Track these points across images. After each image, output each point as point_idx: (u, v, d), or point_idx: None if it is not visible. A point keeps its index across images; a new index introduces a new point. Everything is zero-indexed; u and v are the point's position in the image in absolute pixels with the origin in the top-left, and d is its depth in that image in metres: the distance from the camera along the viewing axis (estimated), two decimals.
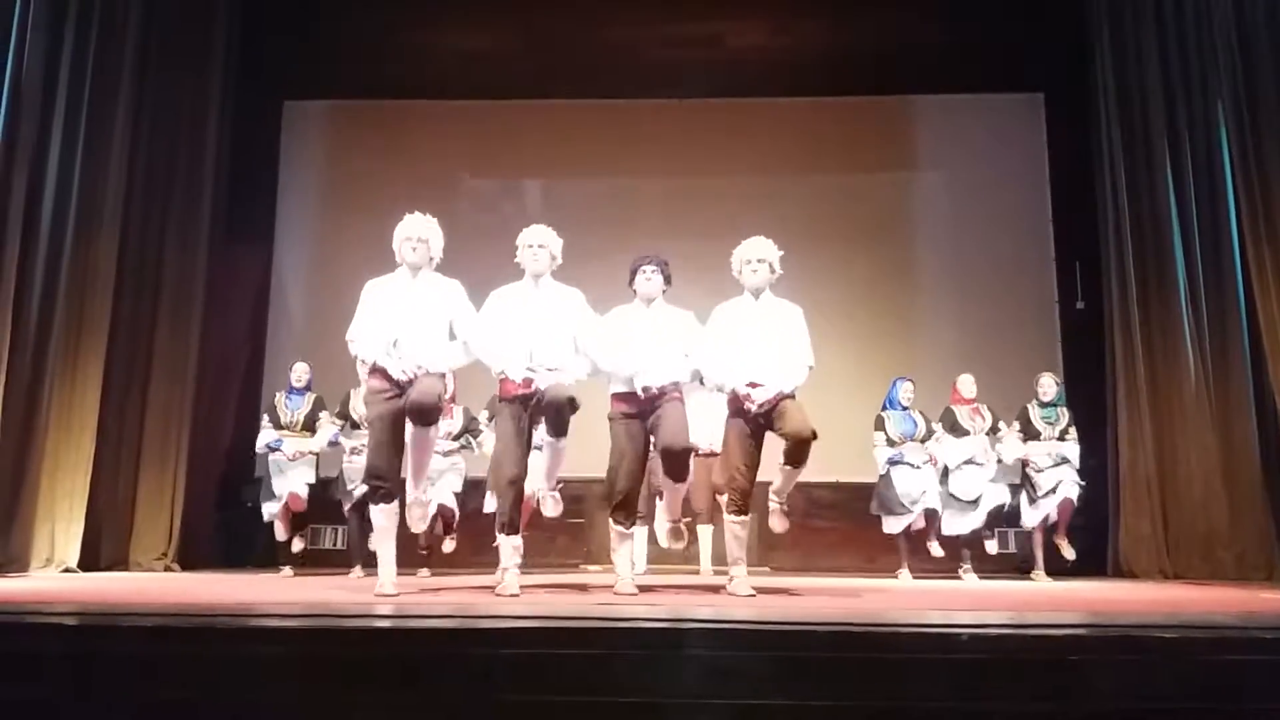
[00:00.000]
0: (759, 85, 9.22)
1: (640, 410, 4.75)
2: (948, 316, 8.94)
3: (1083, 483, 6.89)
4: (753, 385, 4.64)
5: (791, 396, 4.68)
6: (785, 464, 4.74)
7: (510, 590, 4.44)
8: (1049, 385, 7.07)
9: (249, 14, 8.68)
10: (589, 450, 7.81)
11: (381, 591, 4.33)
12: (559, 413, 4.53)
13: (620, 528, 4.82)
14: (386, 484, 4.46)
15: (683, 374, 4.84)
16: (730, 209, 8.94)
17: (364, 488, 6.22)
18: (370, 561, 6.57)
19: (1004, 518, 7.03)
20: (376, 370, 4.53)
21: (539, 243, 4.82)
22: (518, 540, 4.64)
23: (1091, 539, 7.41)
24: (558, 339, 4.71)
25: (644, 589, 4.81)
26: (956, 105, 9.27)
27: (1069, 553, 6.93)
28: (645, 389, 4.68)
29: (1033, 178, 9.12)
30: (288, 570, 6.81)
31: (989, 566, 7.20)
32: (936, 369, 7.81)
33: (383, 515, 4.51)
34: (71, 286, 6.69)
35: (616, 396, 4.84)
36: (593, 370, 4.84)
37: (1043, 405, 7.03)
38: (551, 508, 5.05)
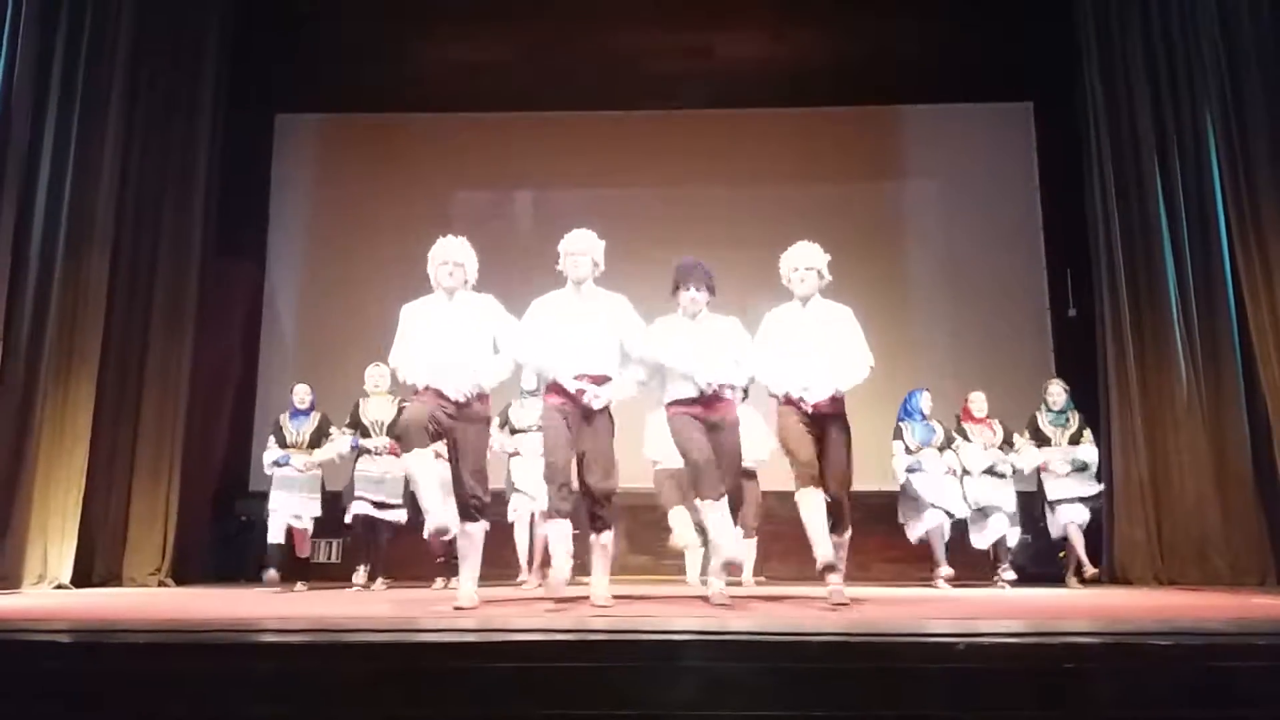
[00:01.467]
0: (752, 95, 9.27)
1: (700, 412, 4.67)
2: (941, 324, 8.98)
3: (1094, 497, 6.93)
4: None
5: (841, 411, 4.77)
6: (830, 532, 4.71)
7: (559, 586, 4.49)
8: (1058, 393, 7.09)
9: (240, 27, 8.70)
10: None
11: (460, 605, 4.30)
12: (604, 503, 4.58)
13: (711, 499, 4.55)
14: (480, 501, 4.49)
15: (737, 378, 4.82)
16: (725, 218, 9.01)
17: (365, 505, 6.46)
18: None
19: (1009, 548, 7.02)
20: (427, 390, 4.48)
21: (580, 250, 4.76)
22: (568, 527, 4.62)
23: (1086, 546, 7.41)
24: (604, 346, 4.68)
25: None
26: (948, 114, 9.33)
27: (1074, 583, 6.93)
28: (708, 384, 4.61)
29: (1023, 186, 9.19)
30: (301, 585, 6.79)
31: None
32: (930, 377, 7.83)
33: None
34: (63, 301, 6.68)
35: (672, 404, 4.74)
36: (648, 375, 4.79)
37: (1052, 412, 7.05)
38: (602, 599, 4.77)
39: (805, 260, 4.89)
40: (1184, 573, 7.01)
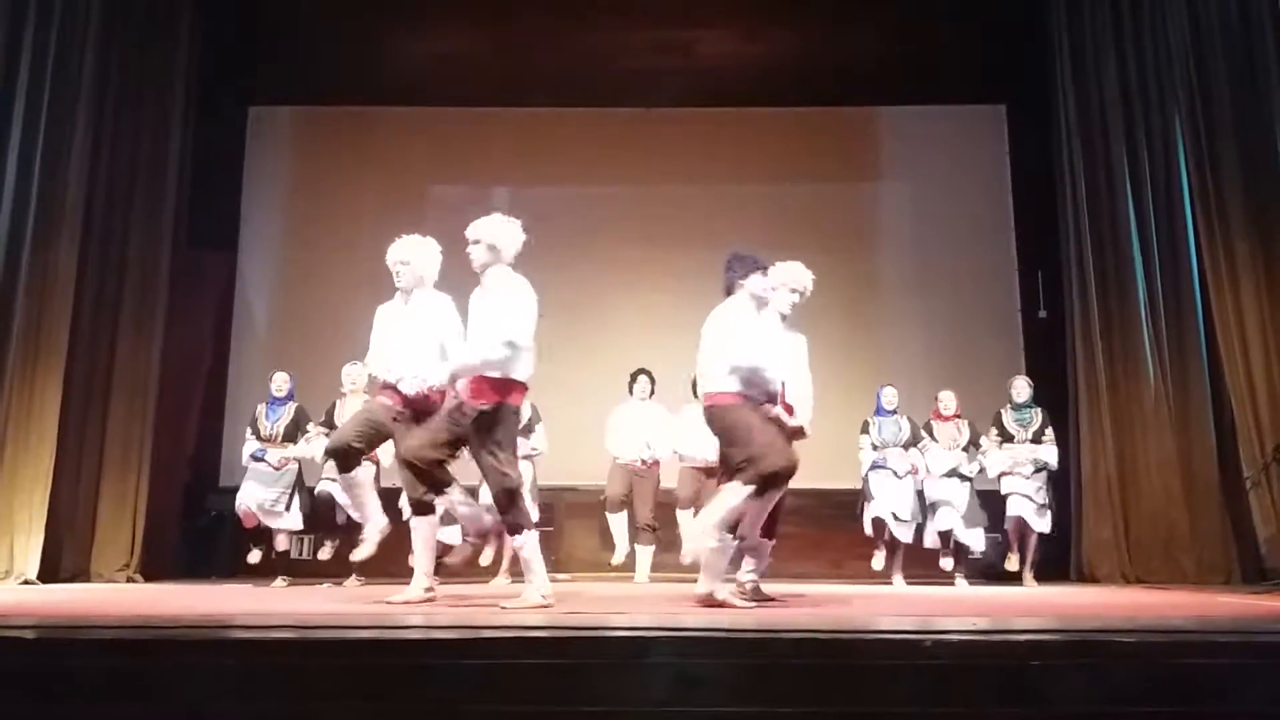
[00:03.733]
0: (728, 94, 9.27)
1: None
2: (912, 325, 9.02)
3: (1049, 504, 6.98)
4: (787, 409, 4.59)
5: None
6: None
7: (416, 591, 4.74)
8: (1022, 387, 7.16)
9: (213, 18, 8.60)
10: (561, 458, 7.84)
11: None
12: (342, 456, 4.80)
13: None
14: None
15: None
16: (698, 217, 9.02)
17: (331, 485, 6.46)
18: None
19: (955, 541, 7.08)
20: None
21: (401, 260, 4.91)
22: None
23: (1054, 544, 7.50)
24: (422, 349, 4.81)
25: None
26: (920, 116, 9.37)
27: (1030, 584, 6.99)
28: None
29: (995, 188, 9.23)
30: (281, 582, 6.73)
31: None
32: (901, 377, 7.87)
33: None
34: (30, 294, 6.59)
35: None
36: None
37: (1016, 408, 7.11)
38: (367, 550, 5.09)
39: (806, 284, 4.92)
40: (1151, 571, 7.10)
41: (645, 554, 7.22)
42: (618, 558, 7.27)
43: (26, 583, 6.35)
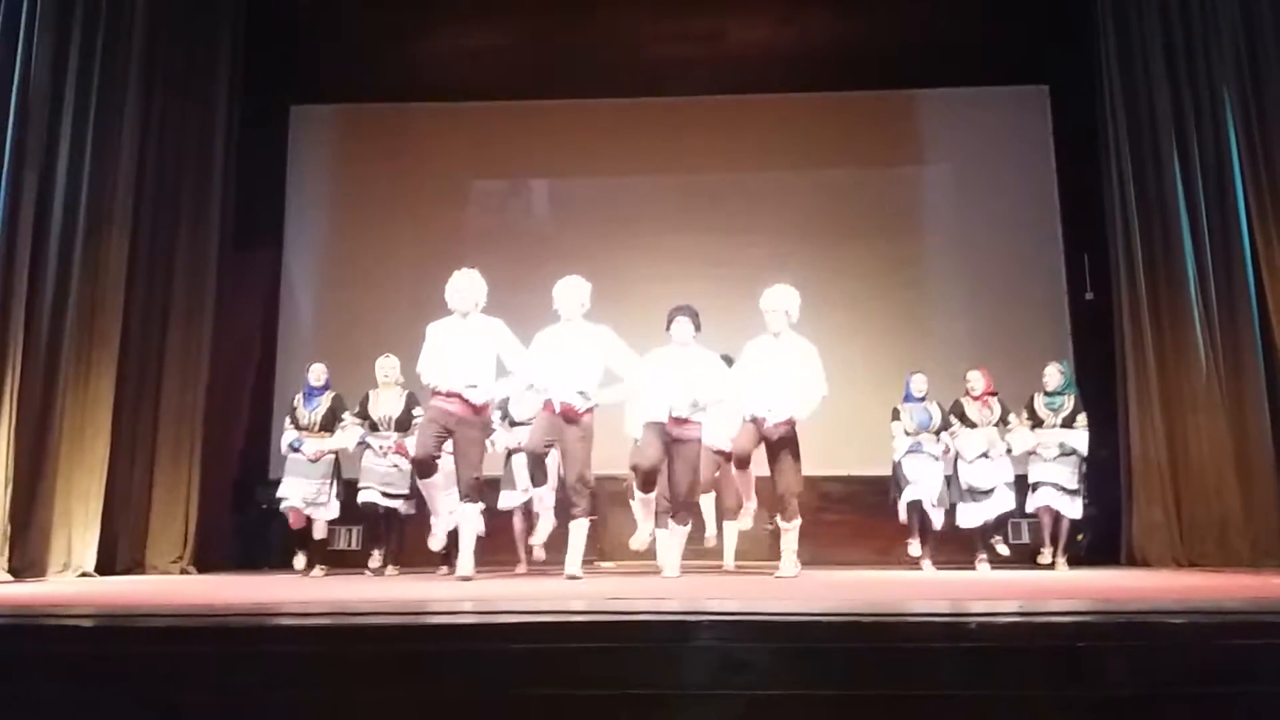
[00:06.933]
0: (763, 81, 9.23)
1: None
2: (957, 309, 8.95)
3: (1074, 488, 6.86)
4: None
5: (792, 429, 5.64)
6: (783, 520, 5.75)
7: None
8: (1052, 374, 7.08)
9: (255, 18, 8.71)
10: (605, 448, 7.87)
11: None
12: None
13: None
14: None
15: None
16: (736, 205, 9.02)
17: (373, 494, 6.71)
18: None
19: (1009, 521, 7.01)
20: (451, 395, 5.67)
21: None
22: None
23: (1104, 528, 7.39)
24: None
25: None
26: (962, 98, 9.28)
27: (1061, 568, 6.89)
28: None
29: (1039, 169, 9.12)
30: (319, 571, 6.88)
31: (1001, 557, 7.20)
32: (947, 362, 7.81)
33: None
34: (82, 292, 6.72)
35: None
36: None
37: (1047, 394, 7.04)
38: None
39: (773, 304, 5.75)
40: (1204, 554, 6.97)
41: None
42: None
43: (84, 575, 6.49)
